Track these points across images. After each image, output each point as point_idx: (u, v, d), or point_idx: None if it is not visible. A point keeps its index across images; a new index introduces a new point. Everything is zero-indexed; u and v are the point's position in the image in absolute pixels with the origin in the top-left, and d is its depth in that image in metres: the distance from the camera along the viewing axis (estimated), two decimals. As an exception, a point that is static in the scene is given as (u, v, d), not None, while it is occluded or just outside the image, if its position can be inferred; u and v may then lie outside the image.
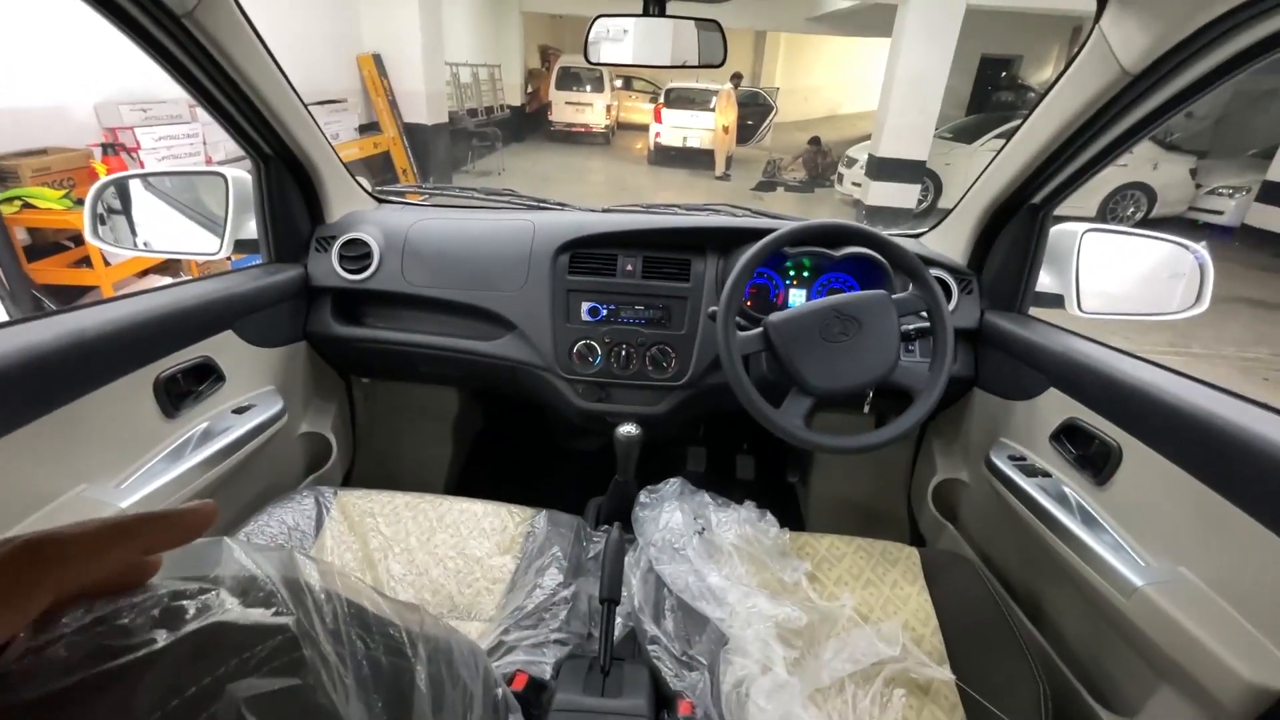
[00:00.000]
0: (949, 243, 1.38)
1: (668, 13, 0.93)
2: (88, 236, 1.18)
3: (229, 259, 1.36)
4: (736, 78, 11.34)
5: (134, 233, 1.32)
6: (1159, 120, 0.94)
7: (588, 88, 12.07)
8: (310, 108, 1.19)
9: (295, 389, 1.36)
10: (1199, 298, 1.19)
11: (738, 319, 1.07)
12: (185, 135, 4.43)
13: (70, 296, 3.63)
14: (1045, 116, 1.05)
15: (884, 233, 1.13)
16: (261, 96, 1.07)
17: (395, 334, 1.36)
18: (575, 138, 12.48)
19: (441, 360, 1.37)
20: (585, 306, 1.32)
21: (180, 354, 1.02)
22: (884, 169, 7.74)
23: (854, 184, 8.45)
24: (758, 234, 1.15)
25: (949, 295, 1.30)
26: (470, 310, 1.33)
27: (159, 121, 4.29)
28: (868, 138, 8.32)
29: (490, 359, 1.34)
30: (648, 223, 1.35)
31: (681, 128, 10.55)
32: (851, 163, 8.55)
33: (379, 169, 7.40)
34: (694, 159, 10.63)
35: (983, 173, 1.24)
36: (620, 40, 0.95)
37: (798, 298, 1.36)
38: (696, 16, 0.93)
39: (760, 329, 1.04)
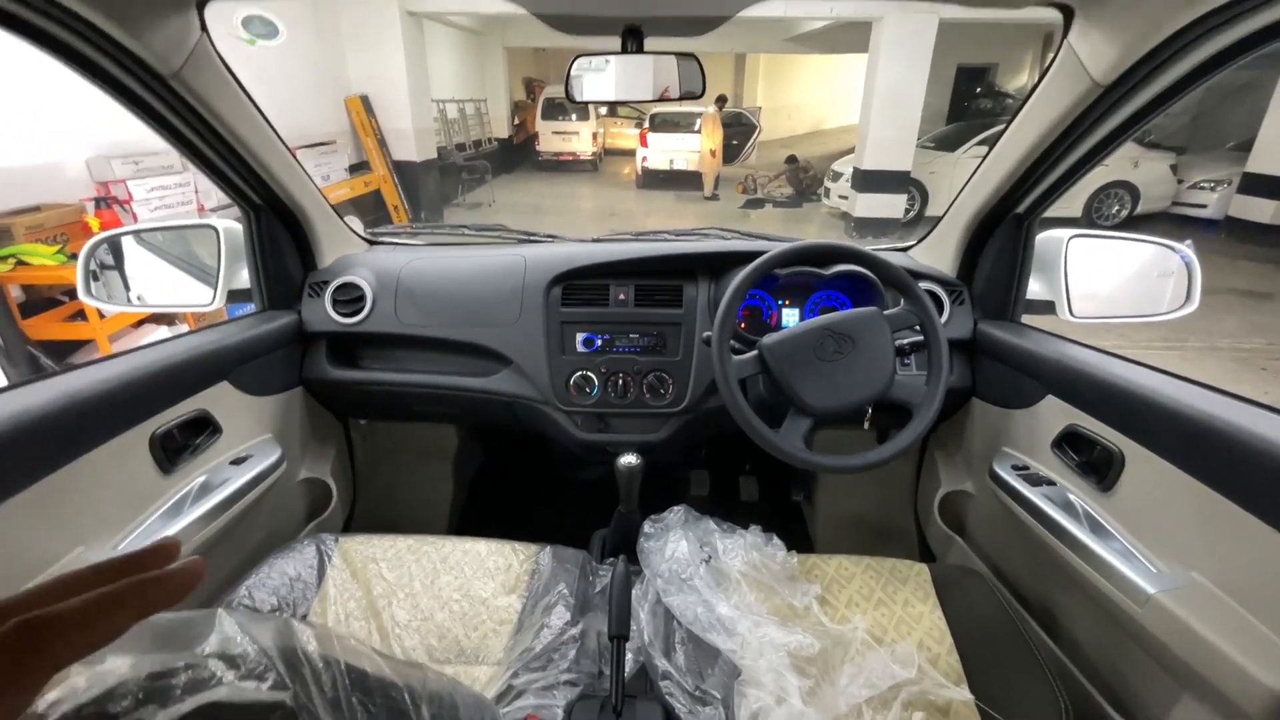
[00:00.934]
0: (937, 255, 1.39)
1: (645, 49, 0.95)
2: (80, 295, 1.19)
3: (224, 308, 1.36)
4: (721, 100, 11.52)
5: (127, 288, 1.32)
6: (1135, 127, 0.96)
7: (573, 116, 12.25)
8: (300, 151, 1.21)
9: (293, 435, 1.35)
10: (1188, 297, 1.19)
11: (732, 343, 1.07)
12: (177, 185, 4.47)
13: (66, 351, 3.63)
14: (1022, 129, 1.06)
15: (872, 249, 1.14)
16: (249, 148, 1.08)
17: (392, 375, 1.36)
18: (564, 166, 12.64)
19: (439, 399, 1.37)
20: (580, 337, 1.32)
21: (176, 408, 1.02)
22: (869, 181, 7.83)
23: (840, 197, 8.54)
24: (747, 257, 1.16)
25: (940, 308, 1.31)
26: (465, 347, 1.33)
27: (151, 173, 4.33)
28: (852, 151, 8.45)
29: (487, 394, 1.33)
30: (638, 251, 1.36)
31: (668, 151, 10.70)
32: (837, 176, 8.66)
33: (370, 207, 7.47)
34: (681, 181, 10.76)
35: (966, 185, 1.26)
36: (600, 76, 0.96)
37: (791, 318, 1.37)
38: (674, 51, 0.95)
39: (754, 352, 1.04)
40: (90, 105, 3.83)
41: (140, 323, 3.96)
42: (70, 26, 0.79)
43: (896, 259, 1.24)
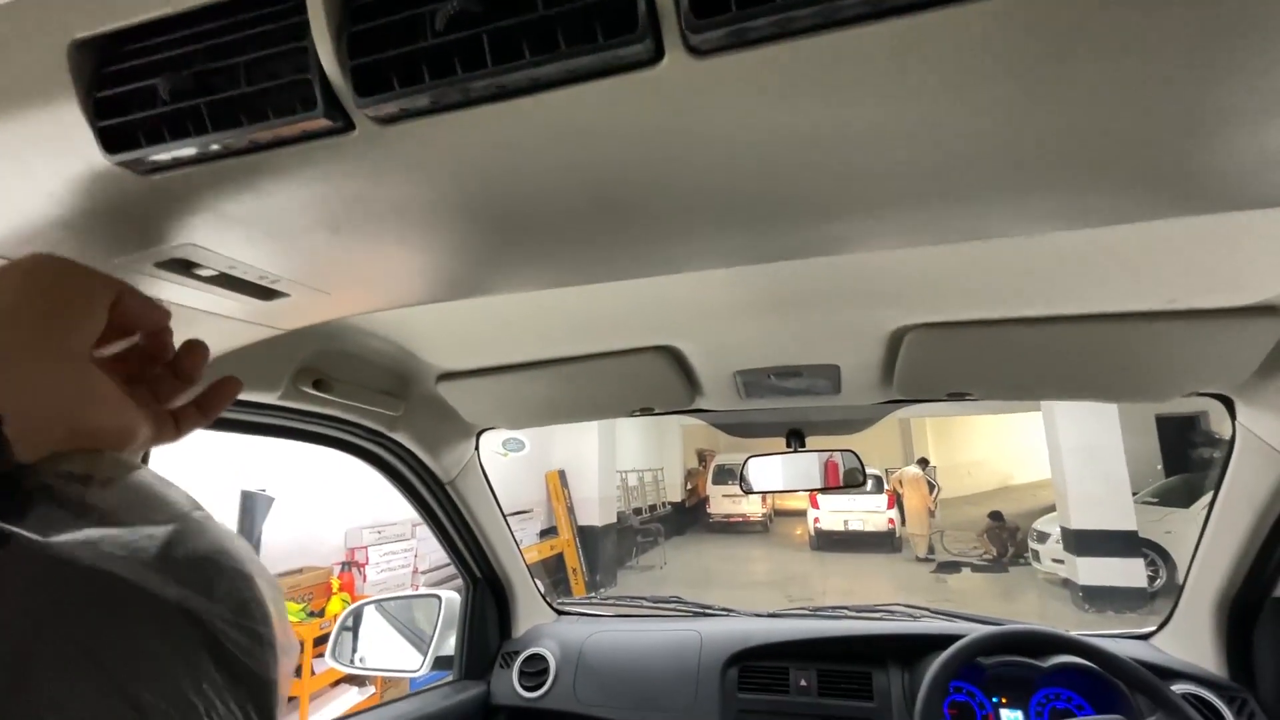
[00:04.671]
0: (1190, 644, 1.14)
1: (808, 445, 1.10)
2: (327, 656, 1.38)
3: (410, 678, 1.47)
4: (923, 462, 11.31)
5: (354, 650, 1.51)
6: None
7: (743, 482, 12.94)
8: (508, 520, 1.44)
9: None
10: None
11: None
12: (402, 550, 5.25)
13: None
14: (1231, 515, 0.98)
15: (1098, 639, 1.00)
16: (485, 534, 1.33)
17: None
18: (734, 527, 12.84)
19: None
20: None
21: None
22: (1085, 543, 6.85)
23: (1054, 560, 7.45)
24: (943, 641, 1.06)
25: None
26: None
27: (388, 540, 5.18)
28: (1053, 508, 7.69)
29: None
30: (819, 630, 1.30)
31: (841, 512, 10.53)
32: (1044, 537, 7.72)
33: (552, 569, 7.95)
34: (859, 543, 10.27)
35: (1191, 564, 1.11)
36: (771, 471, 1.12)
37: None
38: (835, 448, 1.09)
39: None
40: (348, 495, 4.89)
41: (336, 683, 4.22)
42: (393, 451, 1.13)
43: (1134, 650, 1.06)
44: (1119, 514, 6.79)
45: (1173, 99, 0.29)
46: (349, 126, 0.30)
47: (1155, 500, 7.71)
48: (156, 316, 0.38)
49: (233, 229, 0.38)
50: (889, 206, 0.39)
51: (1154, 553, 7.03)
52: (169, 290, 0.44)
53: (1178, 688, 1.00)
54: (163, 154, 0.31)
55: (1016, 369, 0.89)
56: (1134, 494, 7.07)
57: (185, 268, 0.41)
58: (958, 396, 1.00)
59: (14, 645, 0.24)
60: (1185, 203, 0.38)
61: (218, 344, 0.59)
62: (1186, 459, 10.97)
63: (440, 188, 0.35)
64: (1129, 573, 6.68)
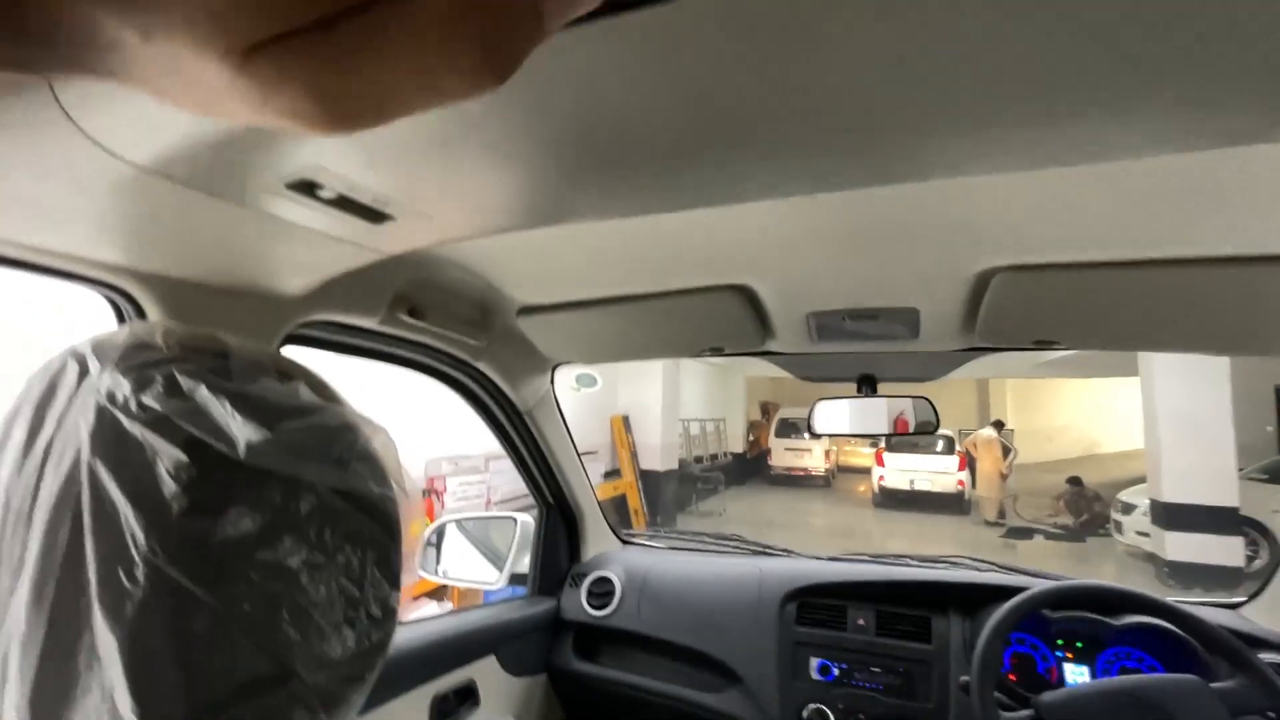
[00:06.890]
0: None
1: (879, 391, 1.09)
2: (416, 567, 1.53)
3: (483, 591, 1.59)
4: (998, 424, 10.88)
5: (437, 563, 1.65)
6: None
7: (806, 435, 12.82)
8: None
9: None
10: None
11: (999, 695, 0.93)
12: (477, 482, 5.58)
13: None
14: None
15: (1183, 602, 0.96)
16: (558, 461, 1.41)
17: (627, 676, 1.39)
18: (795, 481, 12.83)
19: (669, 710, 1.34)
20: (815, 663, 1.24)
21: (453, 675, 1.17)
22: (1176, 517, 6.43)
23: (1139, 533, 7.05)
24: (1007, 592, 1.06)
25: None
26: (697, 657, 1.33)
27: (463, 472, 5.51)
28: (1142, 480, 7.23)
29: (716, 715, 1.27)
30: (880, 574, 1.32)
31: (907, 471, 10.31)
32: (1129, 509, 7.29)
33: (614, 509, 8.27)
34: (926, 503, 10.06)
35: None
36: (839, 413, 1.12)
37: (1077, 675, 1.13)
38: (907, 394, 1.08)
39: (1030, 711, 0.88)
40: (428, 429, 5.19)
41: (418, 596, 4.61)
42: (476, 380, 1.21)
43: (1219, 617, 1.01)
44: (1220, 488, 6.30)
45: None
46: None
47: (1265, 477, 7.09)
48: None
49: (355, 148, 0.42)
50: (992, 125, 0.38)
51: (1255, 531, 6.53)
52: (294, 212, 0.48)
53: (1265, 656, 0.96)
54: None
55: (1112, 316, 0.84)
56: (1240, 469, 6.54)
57: (310, 189, 0.46)
58: (1045, 345, 0.96)
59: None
60: None
61: (329, 266, 0.64)
62: (1308, 435, 9.96)
63: (547, 103, 0.37)
64: (1224, 551, 6.25)
